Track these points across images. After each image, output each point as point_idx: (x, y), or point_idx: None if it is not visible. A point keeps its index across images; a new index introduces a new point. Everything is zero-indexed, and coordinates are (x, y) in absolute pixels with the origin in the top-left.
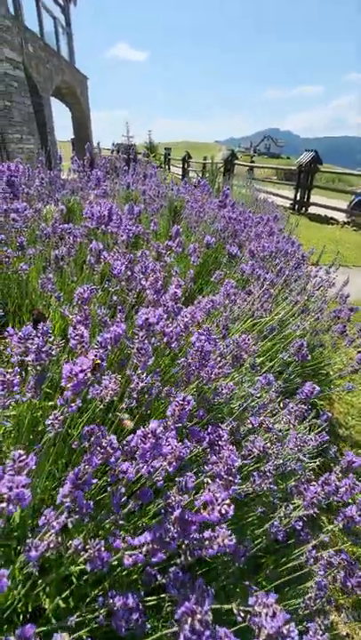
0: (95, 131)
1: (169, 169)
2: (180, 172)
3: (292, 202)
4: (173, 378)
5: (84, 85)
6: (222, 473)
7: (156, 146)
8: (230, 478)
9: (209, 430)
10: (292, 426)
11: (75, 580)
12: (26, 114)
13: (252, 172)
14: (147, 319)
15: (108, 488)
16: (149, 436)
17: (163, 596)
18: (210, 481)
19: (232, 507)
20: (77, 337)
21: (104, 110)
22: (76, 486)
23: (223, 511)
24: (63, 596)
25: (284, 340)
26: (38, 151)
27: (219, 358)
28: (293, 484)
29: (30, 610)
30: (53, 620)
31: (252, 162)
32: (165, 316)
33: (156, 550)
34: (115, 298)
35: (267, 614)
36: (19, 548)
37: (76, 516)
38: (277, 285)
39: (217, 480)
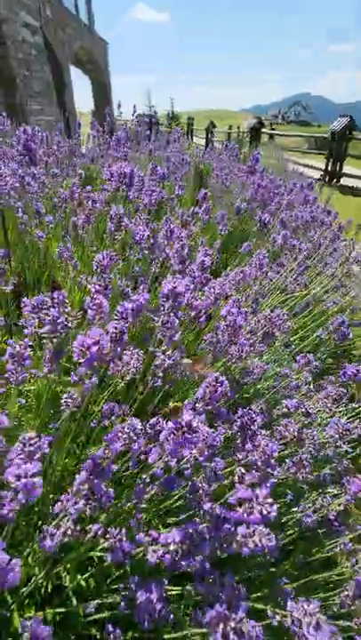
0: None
1: (192, 139)
2: (204, 143)
3: (322, 173)
4: (199, 354)
5: (104, 51)
6: (259, 463)
7: (178, 115)
8: (268, 470)
9: (240, 413)
10: (328, 410)
11: (96, 559)
12: (45, 83)
13: (272, 139)
14: (174, 287)
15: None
16: (183, 429)
17: (188, 588)
18: (242, 471)
19: (275, 506)
20: (95, 307)
21: (126, 76)
22: (94, 474)
23: (265, 512)
24: (84, 576)
25: (318, 318)
26: (57, 122)
27: (248, 335)
28: (328, 471)
29: (50, 588)
30: (74, 599)
31: (273, 129)
32: (192, 287)
33: (186, 554)
34: (137, 268)
35: (309, 624)
36: (40, 522)
37: (94, 504)
38: (313, 257)
39: (253, 471)
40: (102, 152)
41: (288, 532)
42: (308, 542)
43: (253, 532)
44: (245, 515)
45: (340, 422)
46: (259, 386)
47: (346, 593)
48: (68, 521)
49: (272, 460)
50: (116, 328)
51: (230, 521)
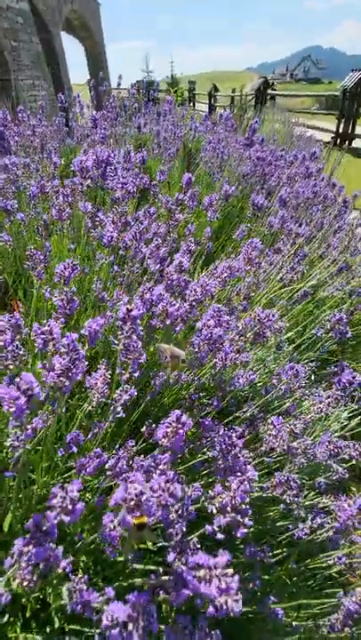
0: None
1: (193, 106)
2: (207, 109)
3: (333, 135)
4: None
5: (97, 14)
6: (229, 508)
7: (178, 80)
8: (239, 518)
9: (221, 434)
10: (324, 414)
11: None
12: (35, 54)
13: (273, 101)
14: (129, 311)
15: None
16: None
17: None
18: (214, 511)
19: (236, 578)
20: (44, 334)
21: (124, 42)
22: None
23: (223, 585)
24: None
25: (318, 308)
26: (52, 97)
27: (237, 337)
28: (324, 479)
29: None
30: None
31: (273, 89)
32: (167, 295)
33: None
34: (115, 268)
35: None
36: None
37: None
38: (314, 241)
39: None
40: (87, 131)
41: (277, 551)
42: (301, 548)
43: (221, 592)
44: (203, 584)
45: (331, 440)
46: (248, 388)
47: (336, 616)
48: None
49: (245, 505)
50: (61, 364)
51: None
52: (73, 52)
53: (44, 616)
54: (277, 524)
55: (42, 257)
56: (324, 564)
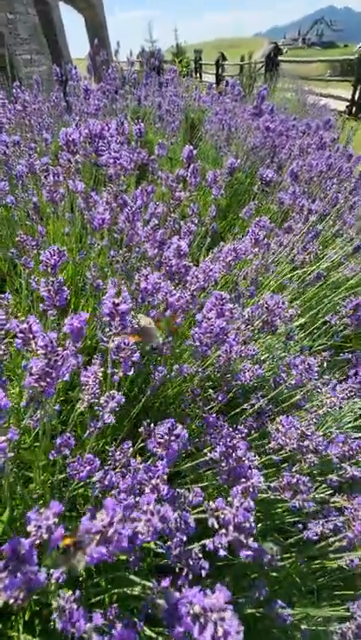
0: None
1: (200, 77)
2: (214, 80)
3: (348, 103)
4: (187, 350)
5: None
6: (231, 527)
7: (184, 49)
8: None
9: (224, 435)
10: (338, 407)
11: None
12: (32, 27)
13: (277, 68)
14: (116, 305)
15: None
16: None
17: None
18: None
19: (235, 623)
20: (24, 334)
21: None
22: None
23: (220, 632)
24: None
25: (332, 291)
26: (51, 73)
27: (243, 326)
28: (336, 477)
29: None
30: None
31: (277, 54)
32: (166, 282)
33: None
34: (112, 253)
35: None
36: None
37: None
38: (328, 218)
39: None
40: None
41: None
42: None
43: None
44: (198, 626)
45: (346, 440)
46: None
47: (348, 625)
48: None
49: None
50: (37, 367)
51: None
52: (72, 25)
53: (47, 613)
54: (286, 520)
55: (34, 243)
56: (335, 565)
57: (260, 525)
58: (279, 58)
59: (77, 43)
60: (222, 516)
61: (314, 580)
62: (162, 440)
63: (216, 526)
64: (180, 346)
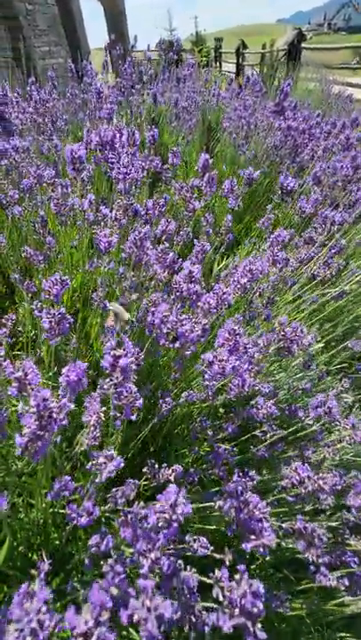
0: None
1: (220, 66)
2: (234, 70)
3: None
4: (195, 376)
5: None
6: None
7: (203, 38)
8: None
9: (234, 482)
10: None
11: None
12: (51, 18)
13: (297, 58)
14: (116, 357)
15: None
16: None
17: None
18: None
19: None
20: (18, 380)
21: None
22: None
23: None
24: None
25: (354, 305)
26: (67, 65)
27: (257, 353)
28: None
29: None
30: None
31: (299, 41)
32: (176, 311)
33: None
34: (121, 270)
35: None
36: None
37: None
38: (354, 229)
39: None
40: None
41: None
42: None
43: None
44: None
45: None
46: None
47: None
48: None
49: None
50: (30, 428)
51: None
52: (91, 14)
53: None
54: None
55: (40, 258)
56: (350, 607)
57: (268, 558)
58: (302, 45)
59: (96, 32)
60: (227, 593)
61: (324, 618)
62: (164, 515)
63: (220, 598)
64: (190, 370)
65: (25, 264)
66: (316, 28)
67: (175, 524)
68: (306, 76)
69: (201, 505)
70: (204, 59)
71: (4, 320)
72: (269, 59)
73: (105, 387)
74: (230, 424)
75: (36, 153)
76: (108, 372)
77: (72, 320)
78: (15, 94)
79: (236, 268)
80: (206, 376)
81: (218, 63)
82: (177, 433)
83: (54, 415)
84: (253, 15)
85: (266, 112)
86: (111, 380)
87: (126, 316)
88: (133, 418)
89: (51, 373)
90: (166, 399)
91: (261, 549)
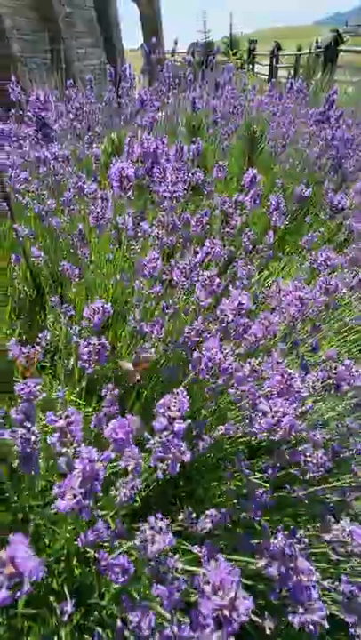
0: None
1: (253, 69)
2: (268, 72)
3: None
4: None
5: None
6: None
7: (238, 40)
8: None
9: (277, 544)
10: None
11: None
12: (89, 20)
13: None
14: (171, 421)
15: None
16: None
17: None
18: None
19: None
20: (60, 434)
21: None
22: None
23: None
24: None
25: None
26: (104, 67)
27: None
28: None
29: None
30: None
31: (340, 39)
32: (221, 346)
33: None
34: (159, 288)
35: None
36: None
37: None
38: None
39: None
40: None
41: None
42: None
43: None
44: None
45: None
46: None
47: None
48: None
49: None
50: (75, 489)
51: None
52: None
53: None
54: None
55: (76, 272)
56: None
57: None
58: (340, 47)
59: (130, 33)
60: None
61: None
62: (222, 612)
63: None
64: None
65: (56, 271)
66: (354, 29)
67: (236, 625)
68: (343, 79)
69: (237, 557)
70: (238, 61)
71: (38, 339)
72: (306, 61)
73: (152, 442)
74: (270, 467)
75: (74, 159)
76: (158, 431)
77: (110, 348)
78: (54, 98)
79: (279, 291)
80: (257, 426)
81: (251, 65)
82: (205, 460)
83: (100, 475)
84: (288, 17)
85: (308, 120)
86: (160, 438)
87: (135, 377)
88: (177, 471)
89: (79, 389)
90: (203, 436)
91: (311, 627)
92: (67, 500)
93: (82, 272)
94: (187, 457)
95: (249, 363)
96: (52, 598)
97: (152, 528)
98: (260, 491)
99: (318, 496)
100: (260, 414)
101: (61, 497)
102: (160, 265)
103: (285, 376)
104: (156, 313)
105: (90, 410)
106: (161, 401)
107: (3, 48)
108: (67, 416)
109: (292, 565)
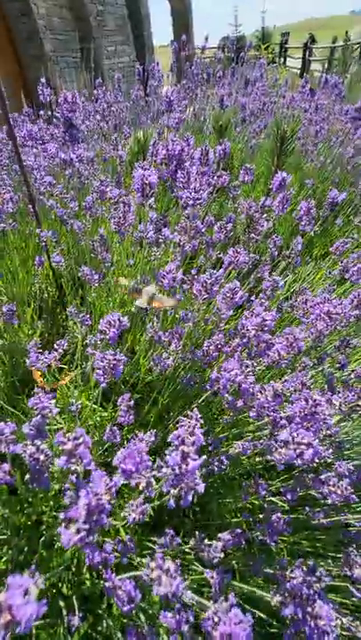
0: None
1: (284, 63)
2: (300, 66)
3: None
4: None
5: None
6: None
7: (270, 33)
8: None
9: (295, 584)
10: None
11: None
12: (120, 18)
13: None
14: (185, 457)
15: None
16: None
17: None
18: None
19: None
20: (70, 459)
21: None
22: None
23: None
24: None
25: None
26: (133, 64)
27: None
28: None
29: None
30: None
31: None
32: (243, 370)
33: None
34: (179, 297)
35: None
36: None
37: None
38: None
39: None
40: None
41: None
42: None
43: None
44: None
45: None
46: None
47: None
48: None
49: None
50: (79, 528)
51: None
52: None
53: None
54: None
55: (96, 277)
56: None
57: None
58: None
59: (160, 28)
60: None
61: None
62: None
63: None
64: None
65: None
66: None
67: None
68: None
69: (249, 587)
70: (270, 55)
71: (55, 345)
72: (341, 54)
73: (164, 470)
74: (289, 491)
75: (99, 159)
76: (170, 466)
77: (125, 359)
78: (83, 98)
79: (305, 302)
80: (277, 456)
81: (283, 59)
82: (220, 475)
83: (107, 508)
84: (324, 7)
85: (343, 117)
86: (173, 470)
87: (170, 302)
88: (189, 501)
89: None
90: (223, 460)
91: None
92: (71, 534)
93: (102, 277)
94: (200, 488)
95: (272, 387)
96: (61, 604)
97: (159, 567)
98: (278, 515)
99: (340, 523)
100: (280, 444)
101: (66, 527)
102: (180, 276)
103: (310, 401)
104: (175, 317)
105: (106, 415)
106: (175, 432)
107: (34, 48)
108: (75, 438)
109: (309, 610)
